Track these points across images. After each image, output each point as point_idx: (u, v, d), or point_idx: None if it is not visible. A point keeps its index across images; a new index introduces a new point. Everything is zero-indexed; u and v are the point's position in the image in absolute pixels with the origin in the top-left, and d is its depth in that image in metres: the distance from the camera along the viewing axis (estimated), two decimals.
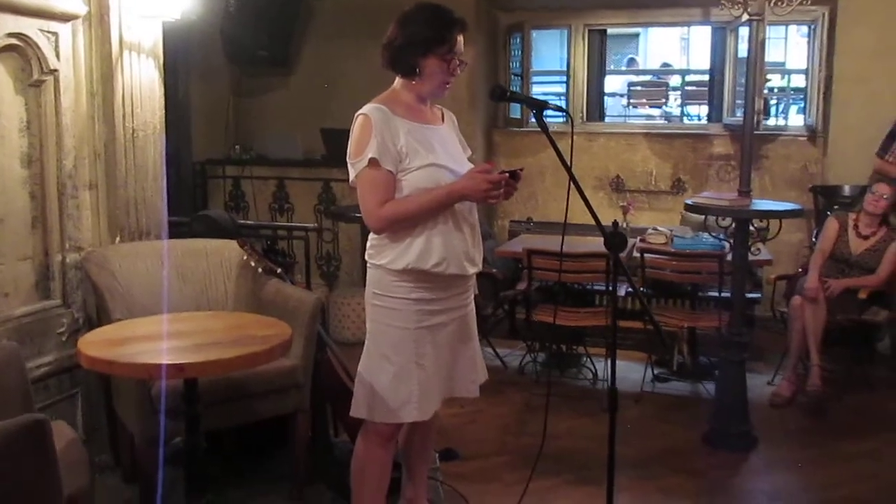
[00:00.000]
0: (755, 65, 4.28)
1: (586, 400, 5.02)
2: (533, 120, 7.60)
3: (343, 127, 6.63)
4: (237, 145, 7.15)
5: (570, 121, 2.83)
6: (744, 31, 6.81)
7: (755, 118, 4.97)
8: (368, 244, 2.83)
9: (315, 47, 7.27)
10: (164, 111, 4.06)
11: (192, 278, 3.89)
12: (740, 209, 4.15)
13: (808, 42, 6.84)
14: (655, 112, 10.20)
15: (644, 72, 11.70)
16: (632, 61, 12.71)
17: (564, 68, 7.45)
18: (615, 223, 2.81)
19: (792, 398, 4.99)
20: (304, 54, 7.32)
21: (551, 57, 10.46)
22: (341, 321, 5.99)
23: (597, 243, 5.30)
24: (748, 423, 4.41)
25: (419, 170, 2.70)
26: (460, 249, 2.79)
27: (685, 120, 9.56)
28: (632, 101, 9.62)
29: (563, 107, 3.23)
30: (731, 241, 4.37)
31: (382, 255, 2.76)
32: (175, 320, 3.08)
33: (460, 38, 2.73)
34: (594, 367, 5.35)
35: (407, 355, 2.77)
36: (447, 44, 2.70)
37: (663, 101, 9.53)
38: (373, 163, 2.65)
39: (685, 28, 12.86)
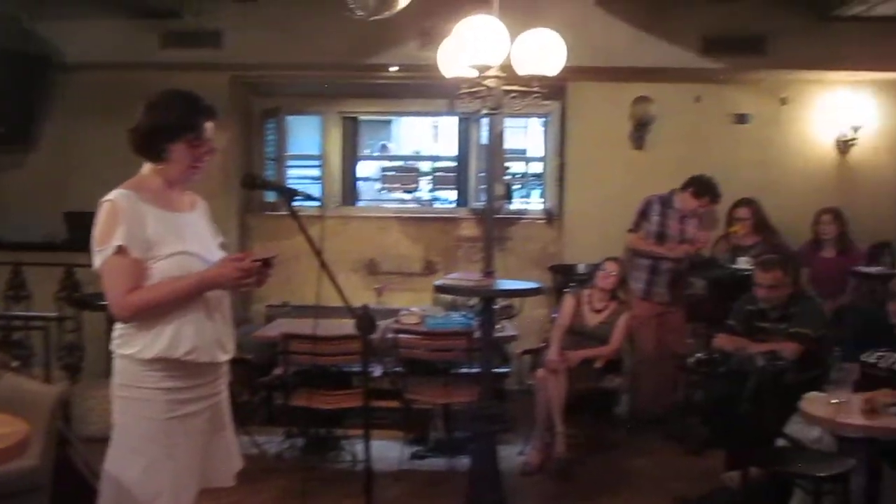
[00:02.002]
0: (495, 153, 4.57)
1: (347, 482, 5.01)
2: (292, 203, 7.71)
3: (88, 209, 6.40)
4: None
5: (322, 206, 2.92)
6: (486, 122, 7.33)
7: (497, 202, 5.32)
8: (115, 333, 2.72)
9: (58, 125, 6.96)
10: None
11: None
12: (485, 289, 4.40)
13: (544, 132, 7.44)
14: (407, 196, 10.59)
15: (395, 157, 12.11)
16: (384, 147, 13.14)
17: (319, 152, 7.60)
18: (365, 306, 2.90)
19: (541, 465, 5.26)
20: (45, 132, 6.99)
21: (306, 141, 10.62)
22: (86, 415, 5.59)
23: (352, 325, 5.46)
24: (501, 493, 4.58)
25: (168, 258, 2.65)
26: (211, 337, 2.75)
27: (436, 204, 9.98)
28: (385, 185, 9.92)
29: (315, 193, 3.31)
30: (479, 319, 4.60)
31: (130, 345, 2.67)
32: None
33: (209, 125, 2.75)
34: (353, 449, 5.37)
35: (158, 447, 2.66)
36: (195, 130, 2.70)
37: (415, 185, 9.92)
38: (121, 250, 2.59)
39: (436, 117, 13.53)
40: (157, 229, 2.65)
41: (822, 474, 3.72)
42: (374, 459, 5.11)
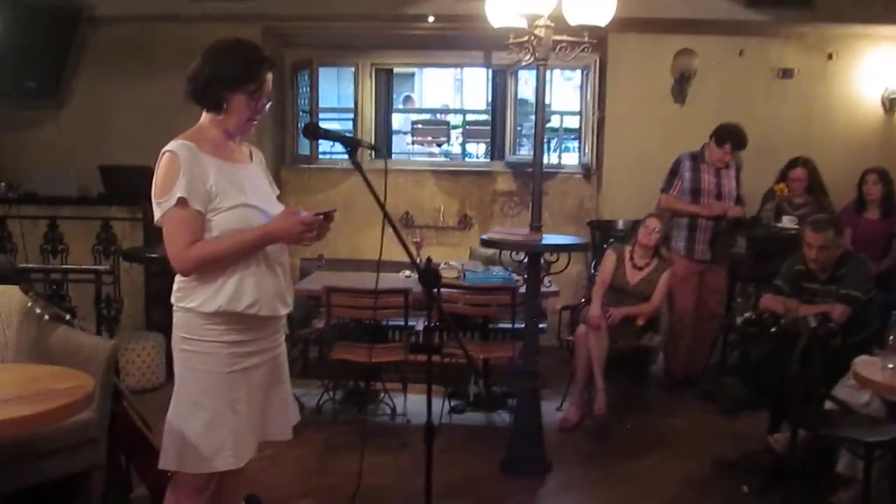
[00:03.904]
0: (542, 107, 4.49)
1: (386, 436, 5.03)
2: (322, 156, 7.65)
3: (122, 163, 6.40)
4: (1, 182, 6.59)
5: (385, 158, 2.87)
6: (522, 75, 7.23)
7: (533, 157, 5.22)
8: (175, 287, 2.70)
9: (88, 80, 6.90)
10: None
11: None
12: (534, 244, 4.35)
13: (581, 86, 7.31)
14: (436, 150, 10.48)
15: (425, 111, 11.99)
16: (408, 99, 13.02)
17: (349, 105, 7.51)
18: (429, 259, 2.86)
19: (580, 422, 5.25)
20: (76, 87, 6.93)
21: (332, 94, 10.50)
22: (125, 368, 5.64)
23: (392, 279, 5.44)
24: (542, 449, 4.59)
25: (229, 210, 2.61)
26: (273, 290, 2.72)
27: (466, 158, 9.89)
28: (415, 138, 9.82)
29: (377, 147, 3.25)
30: (524, 274, 4.55)
31: (191, 298, 2.64)
32: None
33: (269, 77, 2.68)
34: (392, 402, 5.37)
35: (220, 400, 2.65)
36: (256, 81, 2.64)
37: (445, 139, 9.80)
38: (181, 202, 2.54)
39: (459, 69, 13.36)
40: (218, 181, 2.61)
41: (872, 439, 3.67)
42: (413, 414, 5.24)
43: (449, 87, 15.11)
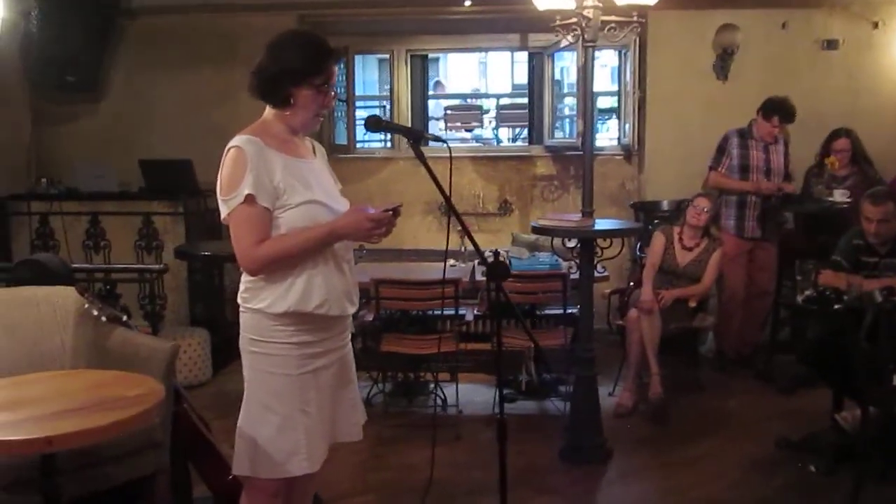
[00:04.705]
0: (590, 89, 4.41)
1: (438, 428, 4.97)
2: (360, 145, 7.60)
3: (162, 157, 6.36)
4: (43, 178, 6.59)
5: (448, 149, 2.81)
6: (559, 57, 7.13)
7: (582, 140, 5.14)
8: (242, 287, 2.64)
9: (127, 73, 6.88)
10: None
11: (20, 332, 3.50)
12: (587, 230, 4.27)
13: (620, 65, 7.19)
14: (467, 135, 10.39)
15: (459, 96, 11.88)
16: (438, 84, 12.93)
17: (382, 93, 7.45)
18: (496, 252, 2.78)
19: (634, 407, 5.18)
20: (114, 80, 6.91)
21: (365, 81, 10.45)
22: None
23: (438, 269, 5.37)
24: (602, 436, 4.52)
25: (297, 207, 2.54)
26: (341, 289, 2.66)
27: (498, 143, 9.81)
28: (449, 124, 9.74)
29: (440, 136, 3.19)
30: (573, 259, 4.48)
31: (260, 299, 2.58)
32: (19, 384, 2.74)
33: (335, 69, 2.62)
34: (443, 393, 5.32)
35: (292, 403, 2.60)
36: (323, 74, 2.57)
37: (477, 123, 9.72)
38: (249, 199, 2.48)
39: (484, 53, 13.24)
40: (285, 177, 2.54)
41: None
42: (464, 404, 5.19)
43: (474, 72, 15.02)
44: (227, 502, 3.13)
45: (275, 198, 2.52)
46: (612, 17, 4.23)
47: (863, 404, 3.93)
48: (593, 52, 4.31)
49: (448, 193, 2.67)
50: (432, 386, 5.42)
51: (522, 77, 9.65)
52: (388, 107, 7.45)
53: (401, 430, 4.95)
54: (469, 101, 10.72)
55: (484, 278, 5.00)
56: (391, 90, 7.30)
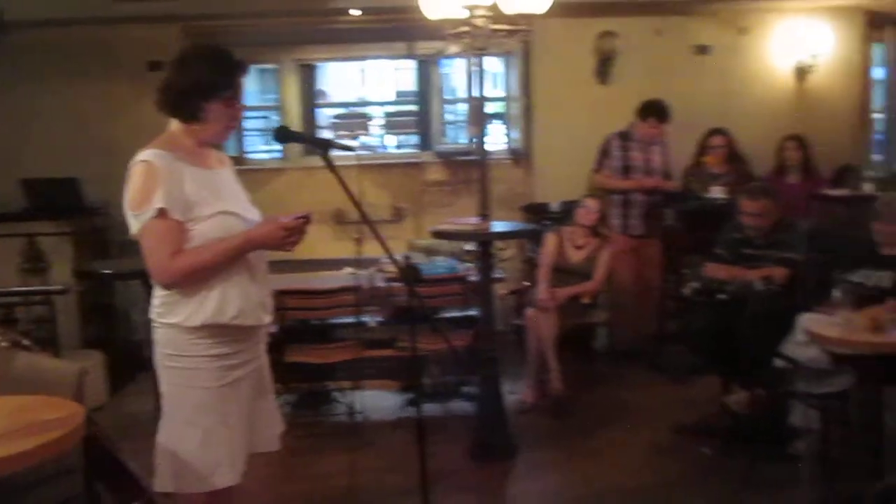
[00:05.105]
0: (480, 95, 4.53)
1: (346, 436, 5.01)
2: (251, 156, 7.53)
3: (45, 175, 6.13)
4: None
5: (357, 154, 2.85)
6: (446, 64, 7.26)
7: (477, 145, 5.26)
8: (156, 302, 2.62)
9: (6, 89, 6.57)
10: None
11: None
12: (485, 233, 4.39)
13: (506, 72, 7.37)
14: (354, 143, 10.38)
15: (347, 104, 11.84)
16: (321, 93, 12.86)
17: (272, 103, 7.41)
18: (407, 257, 2.86)
19: (536, 403, 5.34)
20: None
21: (253, 92, 10.31)
22: None
23: (337, 277, 5.40)
24: (508, 434, 4.65)
25: (210, 218, 2.55)
26: (256, 299, 2.68)
27: (385, 150, 9.85)
28: (336, 132, 9.73)
29: (348, 145, 3.23)
30: (470, 262, 4.59)
31: (175, 313, 2.57)
32: None
33: (243, 81, 2.63)
34: (347, 400, 5.33)
35: (213, 416, 2.60)
36: (232, 88, 2.59)
37: (364, 131, 9.75)
38: (161, 213, 2.47)
39: (362, 62, 13.26)
40: (197, 189, 2.55)
41: (824, 391, 3.86)
42: (370, 409, 5.23)
43: (357, 80, 14.99)
44: None
45: (187, 210, 2.52)
46: (502, 26, 4.36)
47: (750, 387, 4.18)
48: (481, 59, 4.44)
49: (357, 201, 2.71)
50: (335, 394, 5.44)
51: (406, 84, 9.74)
52: (276, 118, 7.41)
53: (310, 439, 4.95)
54: (352, 109, 10.72)
55: (384, 284, 5.13)
56: (280, 101, 7.27)
